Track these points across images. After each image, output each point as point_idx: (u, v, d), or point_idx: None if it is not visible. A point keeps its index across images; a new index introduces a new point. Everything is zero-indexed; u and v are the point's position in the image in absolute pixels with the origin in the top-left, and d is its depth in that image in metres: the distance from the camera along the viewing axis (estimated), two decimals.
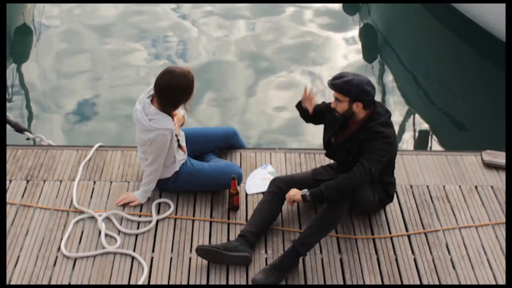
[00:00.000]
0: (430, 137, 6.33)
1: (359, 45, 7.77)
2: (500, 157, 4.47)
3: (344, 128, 3.74)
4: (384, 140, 3.54)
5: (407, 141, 6.24)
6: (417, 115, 6.58)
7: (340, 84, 3.53)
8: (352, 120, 3.65)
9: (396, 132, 6.14)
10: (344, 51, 7.58)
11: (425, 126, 6.45)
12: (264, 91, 6.69)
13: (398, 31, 8.19)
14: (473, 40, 7.50)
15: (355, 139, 3.61)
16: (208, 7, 8.18)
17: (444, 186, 4.28)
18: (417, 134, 6.35)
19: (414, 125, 6.45)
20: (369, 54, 7.65)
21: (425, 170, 4.42)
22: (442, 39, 7.72)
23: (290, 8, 8.30)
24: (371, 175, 3.53)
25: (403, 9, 8.27)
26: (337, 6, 8.45)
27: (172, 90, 3.68)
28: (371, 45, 7.90)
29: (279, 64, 7.18)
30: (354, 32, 8.03)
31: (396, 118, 6.40)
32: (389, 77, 7.26)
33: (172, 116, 3.82)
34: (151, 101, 3.77)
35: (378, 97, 6.71)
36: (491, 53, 7.19)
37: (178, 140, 3.88)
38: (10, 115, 5.28)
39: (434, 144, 6.20)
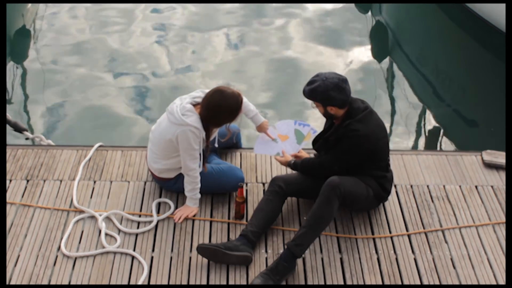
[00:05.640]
0: (440, 136, 6.27)
1: (369, 43, 7.79)
2: (500, 157, 4.47)
3: (331, 126, 3.89)
4: (355, 139, 3.63)
5: (412, 138, 6.21)
6: (425, 113, 6.54)
7: (307, 91, 3.68)
8: (335, 118, 3.78)
9: (403, 130, 6.17)
10: (354, 49, 7.59)
11: (434, 124, 6.40)
12: (268, 85, 6.71)
13: (409, 29, 8.18)
14: (486, 39, 7.46)
15: (335, 135, 3.75)
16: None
17: (444, 186, 4.28)
18: (427, 132, 6.30)
19: (424, 123, 6.42)
20: (379, 52, 7.64)
21: (425, 170, 4.42)
22: (453, 37, 7.71)
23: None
24: (334, 172, 3.69)
25: (414, 7, 8.26)
26: (350, 4, 8.50)
27: (221, 110, 3.70)
28: (382, 43, 7.90)
29: (287, 54, 7.22)
30: (365, 30, 8.06)
31: (404, 116, 6.43)
32: (398, 75, 7.25)
33: (210, 131, 3.82)
34: (194, 107, 3.76)
35: (385, 96, 6.72)
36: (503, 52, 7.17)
37: (203, 157, 3.86)
38: (9, 115, 5.27)
39: (443, 142, 6.16)
